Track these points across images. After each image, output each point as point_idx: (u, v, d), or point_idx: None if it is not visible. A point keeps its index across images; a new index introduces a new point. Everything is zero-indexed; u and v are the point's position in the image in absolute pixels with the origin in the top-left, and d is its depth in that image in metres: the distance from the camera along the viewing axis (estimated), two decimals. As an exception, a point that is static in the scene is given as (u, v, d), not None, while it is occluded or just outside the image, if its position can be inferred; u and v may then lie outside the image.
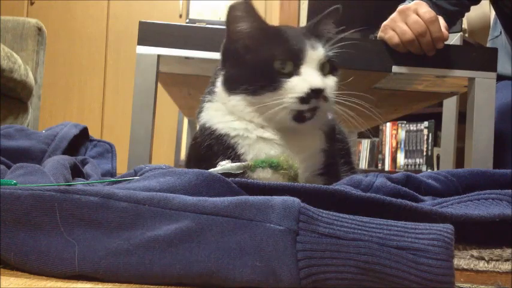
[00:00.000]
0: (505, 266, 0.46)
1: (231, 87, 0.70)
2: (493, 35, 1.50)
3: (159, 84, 1.04)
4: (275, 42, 0.68)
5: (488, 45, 1.52)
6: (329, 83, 0.69)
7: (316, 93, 0.65)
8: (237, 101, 0.69)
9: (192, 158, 0.76)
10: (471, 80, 1.01)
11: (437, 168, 2.67)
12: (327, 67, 0.70)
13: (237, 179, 0.53)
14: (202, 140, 0.72)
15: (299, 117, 0.67)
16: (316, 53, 0.68)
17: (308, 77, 0.66)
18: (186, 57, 0.97)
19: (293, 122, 0.68)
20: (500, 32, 1.43)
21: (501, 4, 1.28)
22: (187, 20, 3.29)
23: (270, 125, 0.69)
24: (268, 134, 0.69)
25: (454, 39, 1.82)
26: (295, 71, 0.67)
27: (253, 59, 0.69)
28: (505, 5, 1.26)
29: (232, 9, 0.69)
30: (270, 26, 0.71)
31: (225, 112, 0.71)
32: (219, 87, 0.72)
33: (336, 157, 0.77)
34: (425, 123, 2.90)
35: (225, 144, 0.69)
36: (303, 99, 0.65)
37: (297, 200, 0.38)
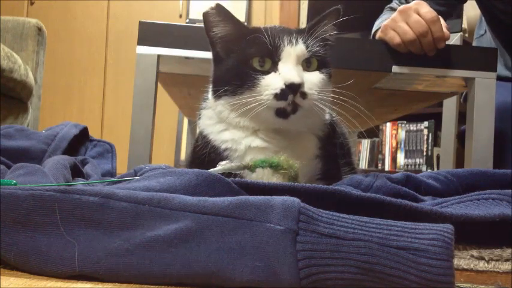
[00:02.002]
0: (505, 266, 0.46)
1: (215, 91, 0.70)
2: (478, 33, 1.48)
3: (159, 84, 1.04)
4: (251, 41, 0.68)
5: (474, 44, 1.51)
6: (311, 78, 0.67)
7: (292, 89, 0.64)
8: (222, 105, 0.69)
9: (193, 162, 0.76)
10: (471, 80, 1.01)
11: (437, 168, 2.67)
12: (313, 63, 0.69)
13: (237, 179, 0.53)
14: (201, 147, 0.73)
15: (281, 113, 0.66)
16: (295, 48, 0.67)
17: (283, 73, 0.65)
18: (186, 57, 0.97)
19: (277, 119, 0.67)
20: (485, 31, 1.42)
21: (487, 4, 1.27)
22: (187, 20, 3.29)
23: (260, 127, 0.69)
24: (258, 141, 0.69)
25: (454, 39, 1.82)
26: (272, 68, 0.67)
27: (232, 60, 0.69)
28: (492, 5, 1.25)
29: (206, 16, 0.69)
30: (246, 26, 0.71)
31: (216, 120, 0.72)
32: (209, 96, 0.73)
33: (337, 161, 0.77)
34: (425, 123, 2.90)
35: (219, 155, 0.70)
36: (278, 96, 0.65)
37: (297, 200, 0.38)
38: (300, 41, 0.67)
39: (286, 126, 0.69)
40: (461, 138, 1.47)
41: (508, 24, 1.25)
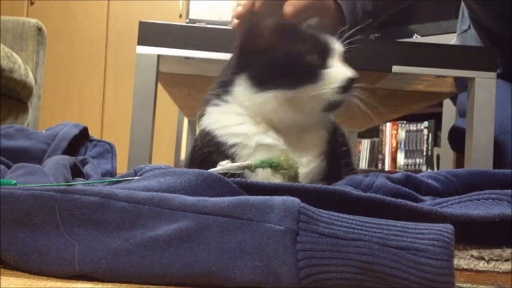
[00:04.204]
0: (505, 266, 0.46)
1: (262, 84, 0.69)
2: (461, 28, 1.41)
3: (159, 84, 1.04)
4: (302, 37, 0.70)
5: (457, 40, 1.45)
6: None
7: (349, 83, 0.68)
8: (267, 97, 0.68)
9: (193, 163, 0.75)
10: (471, 80, 1.01)
11: (437, 168, 2.67)
12: (344, 62, 0.72)
13: (237, 179, 0.53)
14: (201, 146, 0.71)
15: (331, 107, 0.69)
16: (338, 47, 0.70)
17: (339, 68, 0.68)
18: (186, 57, 0.97)
19: (322, 113, 0.70)
20: (469, 26, 1.36)
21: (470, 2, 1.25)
22: (187, 20, 3.29)
23: (286, 123, 0.70)
24: (269, 139, 0.69)
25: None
26: (325, 64, 0.68)
27: (284, 54, 0.69)
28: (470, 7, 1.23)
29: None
30: (291, 21, 0.73)
31: (232, 114, 0.71)
32: (238, 88, 0.71)
33: (339, 161, 0.77)
34: (425, 123, 2.91)
35: (223, 153, 0.69)
36: (341, 89, 0.67)
37: (297, 200, 0.38)
38: (337, 40, 0.71)
39: (305, 126, 0.71)
40: (451, 138, 1.44)
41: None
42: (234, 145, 0.69)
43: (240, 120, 0.70)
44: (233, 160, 0.68)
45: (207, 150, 0.70)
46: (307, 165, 0.69)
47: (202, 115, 0.75)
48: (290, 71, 0.68)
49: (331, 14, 0.90)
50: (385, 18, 1.09)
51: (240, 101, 0.71)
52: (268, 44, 0.70)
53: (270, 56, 0.69)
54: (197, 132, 0.77)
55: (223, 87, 0.74)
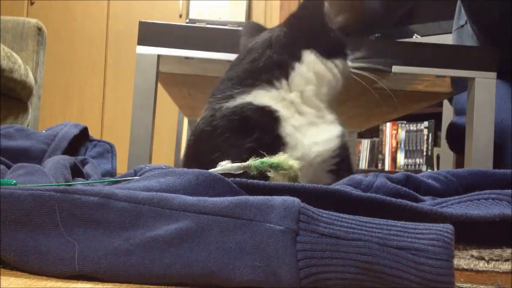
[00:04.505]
0: (505, 266, 0.46)
1: (330, 54, 0.77)
2: (458, 24, 1.40)
3: (159, 84, 1.04)
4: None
5: (453, 36, 1.44)
6: None
7: None
8: (334, 63, 0.78)
9: (201, 148, 0.71)
10: (471, 80, 1.01)
11: (437, 168, 2.67)
12: None
13: (237, 179, 0.53)
14: (232, 118, 0.68)
15: None
16: None
17: None
18: (186, 57, 0.97)
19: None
20: (466, 22, 1.35)
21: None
22: (187, 20, 3.29)
23: (333, 92, 0.78)
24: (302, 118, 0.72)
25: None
26: None
27: (340, 32, 0.82)
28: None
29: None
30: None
31: (288, 94, 0.72)
32: (305, 62, 0.74)
33: (348, 152, 0.77)
34: (425, 123, 2.91)
35: (269, 116, 0.68)
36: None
37: (297, 200, 0.38)
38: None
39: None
40: (450, 136, 1.43)
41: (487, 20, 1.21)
42: (284, 115, 0.69)
43: (292, 97, 0.72)
44: (276, 124, 0.68)
45: (240, 117, 0.68)
46: (325, 143, 0.70)
47: (232, 96, 0.70)
48: (344, 46, 0.80)
49: (356, 13, 1.02)
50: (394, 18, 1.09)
51: (309, 67, 0.74)
52: (327, 23, 0.79)
53: (332, 33, 0.80)
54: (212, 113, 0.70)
55: (274, 70, 0.72)
